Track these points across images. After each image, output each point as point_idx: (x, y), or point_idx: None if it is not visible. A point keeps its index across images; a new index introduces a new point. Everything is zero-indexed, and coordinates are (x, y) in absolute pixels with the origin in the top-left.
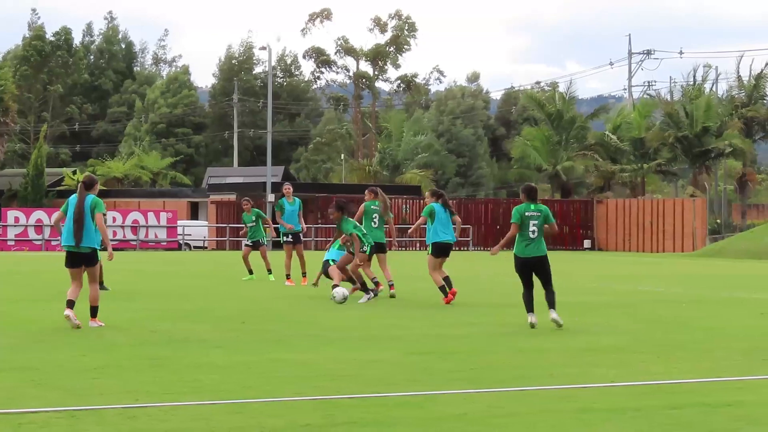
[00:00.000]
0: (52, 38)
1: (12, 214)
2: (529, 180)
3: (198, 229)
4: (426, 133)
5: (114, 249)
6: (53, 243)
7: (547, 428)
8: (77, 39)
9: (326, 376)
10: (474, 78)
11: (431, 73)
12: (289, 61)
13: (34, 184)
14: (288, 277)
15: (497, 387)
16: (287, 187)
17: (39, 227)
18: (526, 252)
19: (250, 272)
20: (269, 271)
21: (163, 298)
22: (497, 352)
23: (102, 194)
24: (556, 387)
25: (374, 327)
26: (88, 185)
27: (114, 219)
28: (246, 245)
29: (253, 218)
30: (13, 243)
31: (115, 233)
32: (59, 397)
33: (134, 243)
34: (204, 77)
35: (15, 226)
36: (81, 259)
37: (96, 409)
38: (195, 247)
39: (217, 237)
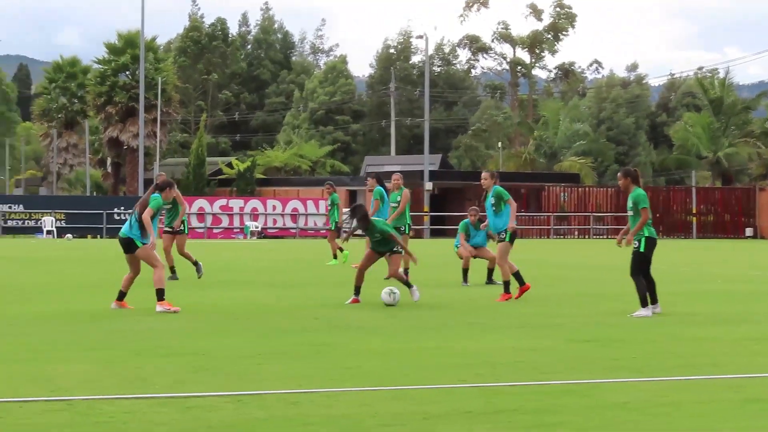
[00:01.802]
0: (209, 29)
1: None
2: (689, 167)
3: None
4: (583, 120)
5: (274, 237)
6: (215, 231)
7: (714, 418)
8: (233, 29)
9: (486, 364)
10: (633, 68)
11: (591, 64)
12: (446, 50)
13: (196, 173)
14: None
15: (660, 376)
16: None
17: (201, 215)
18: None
19: (335, 255)
20: (337, 254)
21: (323, 286)
22: (657, 340)
23: (262, 183)
24: (722, 376)
25: (530, 315)
26: (158, 187)
27: (274, 207)
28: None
29: (329, 204)
30: None
31: (275, 221)
32: (225, 381)
33: (294, 231)
34: (361, 66)
35: None
36: (124, 246)
37: (260, 394)
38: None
39: None
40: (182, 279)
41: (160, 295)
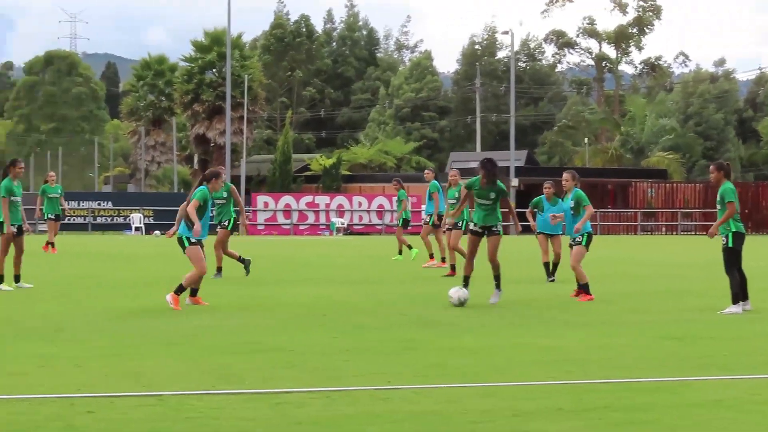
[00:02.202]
0: (293, 26)
1: (261, 200)
2: None
3: None
4: (670, 116)
5: (359, 233)
6: (301, 227)
7: None
8: (318, 26)
9: (575, 361)
10: (720, 63)
11: (676, 57)
12: (532, 46)
13: (282, 170)
14: (442, 260)
15: (751, 373)
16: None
17: (287, 212)
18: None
19: (401, 250)
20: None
21: (408, 283)
22: (747, 338)
23: (347, 179)
24: None
25: (618, 312)
26: (204, 178)
27: (360, 204)
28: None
29: (397, 200)
30: (262, 227)
31: (360, 218)
32: (313, 378)
33: (380, 227)
34: (446, 62)
35: (264, 210)
36: (180, 245)
37: (349, 390)
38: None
39: None
40: (269, 275)
41: (180, 289)
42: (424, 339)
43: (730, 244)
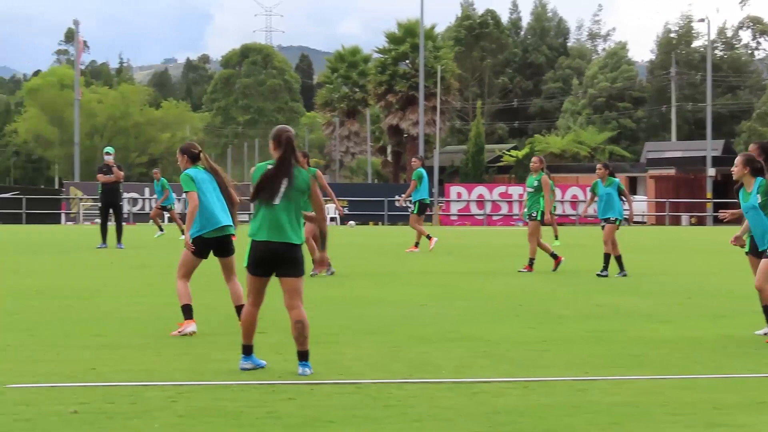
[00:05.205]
0: (480, 18)
1: (454, 190)
2: None
3: (637, 204)
4: None
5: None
6: (494, 218)
7: None
8: (504, 17)
9: None
10: None
11: None
12: (729, 33)
13: (475, 160)
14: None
15: None
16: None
17: (480, 202)
18: None
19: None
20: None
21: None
22: None
23: None
24: None
25: None
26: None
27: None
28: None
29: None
30: (455, 218)
31: (555, 208)
32: (509, 368)
33: (573, 218)
34: (640, 51)
35: (457, 201)
36: None
37: (546, 380)
38: (634, 222)
39: (656, 212)
40: (464, 265)
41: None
42: (620, 329)
43: None
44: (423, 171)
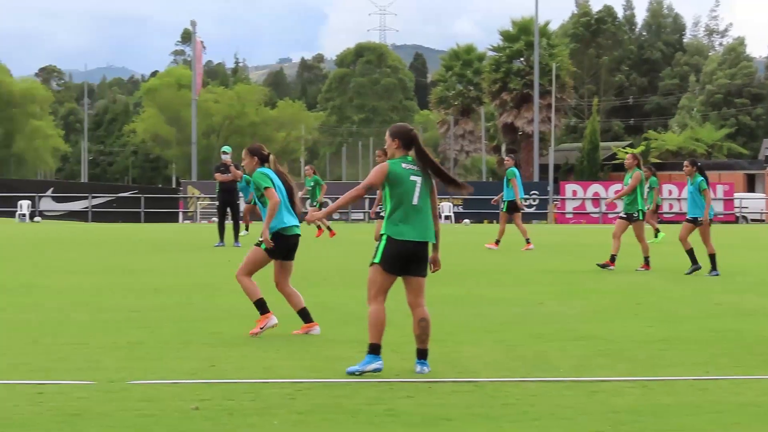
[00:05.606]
0: (597, 14)
1: (570, 188)
2: None
3: (755, 202)
4: None
5: (668, 222)
6: (610, 216)
7: None
8: (620, 13)
9: None
10: None
11: None
12: None
13: (590, 158)
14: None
15: None
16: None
17: (596, 200)
18: None
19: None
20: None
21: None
22: None
23: (657, 167)
24: None
25: None
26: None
27: (669, 192)
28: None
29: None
30: (571, 216)
31: (671, 206)
32: (630, 366)
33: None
34: (758, 48)
35: (573, 199)
36: None
37: (667, 380)
38: (752, 220)
39: None
40: (580, 263)
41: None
42: (741, 329)
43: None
44: (516, 170)
